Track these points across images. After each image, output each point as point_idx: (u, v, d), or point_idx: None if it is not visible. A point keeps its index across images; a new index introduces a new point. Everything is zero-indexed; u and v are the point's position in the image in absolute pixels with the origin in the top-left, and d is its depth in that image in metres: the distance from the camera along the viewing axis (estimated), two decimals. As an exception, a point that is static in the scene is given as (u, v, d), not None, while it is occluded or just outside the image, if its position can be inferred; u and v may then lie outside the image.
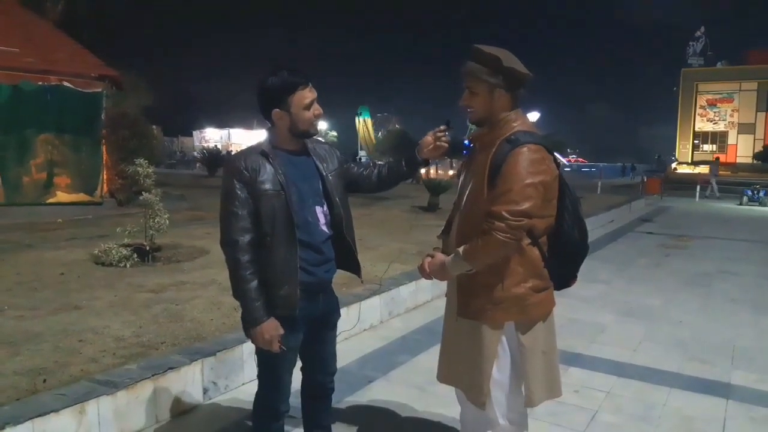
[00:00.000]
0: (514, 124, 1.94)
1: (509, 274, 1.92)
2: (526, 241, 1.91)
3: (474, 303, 1.97)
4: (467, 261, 1.89)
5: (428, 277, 2.07)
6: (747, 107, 40.54)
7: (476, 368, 2.00)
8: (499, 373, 2.01)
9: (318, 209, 2.01)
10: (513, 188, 1.80)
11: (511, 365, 2.02)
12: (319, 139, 2.21)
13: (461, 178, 2.13)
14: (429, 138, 2.09)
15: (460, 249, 1.90)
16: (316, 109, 1.96)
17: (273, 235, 1.89)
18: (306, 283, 1.96)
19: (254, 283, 1.89)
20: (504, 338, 1.99)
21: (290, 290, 1.92)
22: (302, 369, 2.22)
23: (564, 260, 2.00)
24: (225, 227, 1.91)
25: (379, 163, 2.32)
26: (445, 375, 2.20)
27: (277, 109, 1.92)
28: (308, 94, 1.93)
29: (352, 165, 2.21)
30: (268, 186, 1.89)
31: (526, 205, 1.80)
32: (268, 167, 1.91)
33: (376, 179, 2.20)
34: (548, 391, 2.05)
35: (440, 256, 2.02)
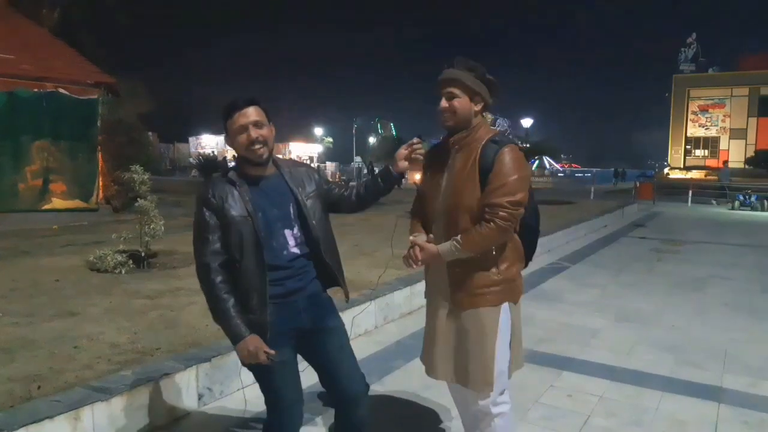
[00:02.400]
0: (487, 128, 2.16)
1: (502, 259, 2.12)
2: None
3: (472, 291, 2.10)
4: (466, 249, 2.04)
5: (411, 265, 2.17)
6: (739, 113, 40.80)
7: (482, 352, 2.11)
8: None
9: (287, 232, 2.00)
10: (507, 182, 2.01)
11: (504, 346, 2.15)
12: (302, 160, 2.22)
13: (431, 177, 2.22)
14: (403, 152, 2.12)
15: (459, 238, 2.04)
16: (251, 132, 1.92)
17: (242, 260, 1.92)
18: (276, 295, 1.96)
19: (231, 302, 1.91)
20: (500, 319, 2.12)
21: (260, 317, 1.92)
22: (328, 392, 2.14)
23: (527, 245, 2.24)
24: (197, 253, 1.95)
25: (353, 184, 2.32)
26: (443, 370, 2.22)
27: (225, 134, 1.98)
28: (240, 119, 1.92)
29: (333, 186, 2.21)
30: (234, 213, 1.92)
31: (519, 196, 2.02)
32: (236, 194, 1.95)
33: (356, 199, 2.20)
34: (518, 365, 2.26)
35: (432, 247, 2.11)
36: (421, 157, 2.15)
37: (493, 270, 2.10)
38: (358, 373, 2.11)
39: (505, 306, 2.13)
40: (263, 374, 2.00)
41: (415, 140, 2.14)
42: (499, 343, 2.12)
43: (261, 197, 1.99)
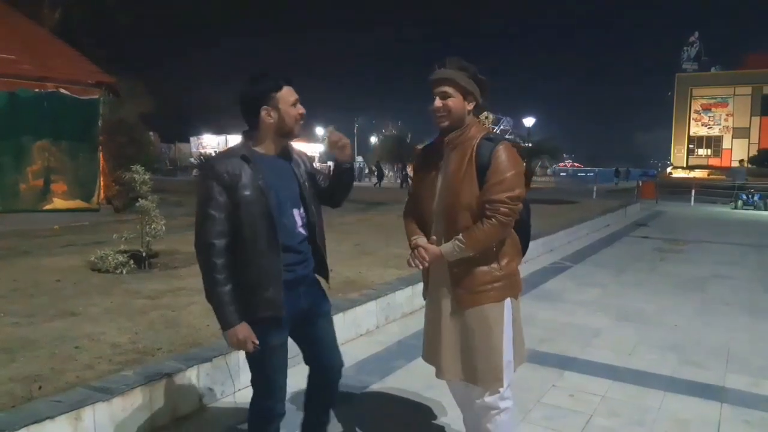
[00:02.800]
0: (478, 127, 2.18)
1: (502, 254, 2.15)
2: None
3: (475, 288, 2.12)
4: (469, 247, 2.05)
5: (417, 266, 2.17)
6: (741, 111, 40.74)
7: (490, 350, 2.13)
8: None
9: (296, 212, 2.04)
10: (506, 178, 2.04)
11: (509, 342, 2.17)
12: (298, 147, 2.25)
13: (425, 178, 2.23)
14: (334, 145, 2.13)
15: (461, 237, 2.05)
16: (300, 108, 2.01)
17: (254, 239, 1.91)
18: (286, 281, 1.98)
19: (228, 287, 1.89)
20: (504, 315, 2.14)
21: (275, 293, 1.94)
22: (311, 365, 2.23)
23: (522, 239, 2.27)
24: (201, 230, 1.90)
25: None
26: (451, 370, 2.22)
27: (267, 106, 1.95)
28: (293, 92, 2.00)
29: (321, 178, 2.23)
30: (247, 191, 1.90)
31: (518, 191, 2.06)
32: (249, 171, 1.92)
33: (330, 191, 2.22)
34: (520, 360, 2.27)
35: (435, 249, 2.13)
36: (341, 141, 2.11)
37: (495, 266, 2.13)
38: (338, 348, 2.26)
39: (508, 302, 2.16)
40: (262, 357, 2.00)
41: (328, 129, 2.13)
42: (505, 339, 2.14)
43: (273, 175, 1.99)
